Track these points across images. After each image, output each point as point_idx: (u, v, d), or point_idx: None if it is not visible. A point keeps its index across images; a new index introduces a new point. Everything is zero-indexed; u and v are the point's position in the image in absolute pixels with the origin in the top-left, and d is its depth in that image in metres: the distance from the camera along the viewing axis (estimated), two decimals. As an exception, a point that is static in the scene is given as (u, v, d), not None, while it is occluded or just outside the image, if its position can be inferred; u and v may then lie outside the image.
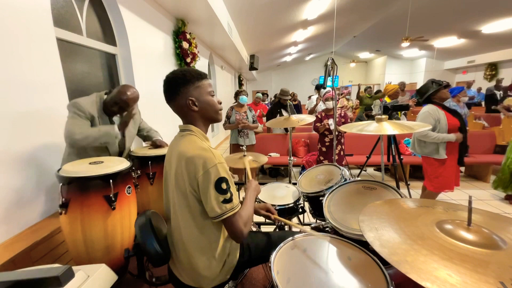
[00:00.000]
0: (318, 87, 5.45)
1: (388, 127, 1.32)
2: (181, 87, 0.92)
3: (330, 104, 3.10)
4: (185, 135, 0.95)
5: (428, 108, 2.27)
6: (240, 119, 3.16)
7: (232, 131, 3.40)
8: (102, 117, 1.56)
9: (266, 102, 6.55)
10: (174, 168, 0.92)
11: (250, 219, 0.96)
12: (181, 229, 0.94)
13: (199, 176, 0.84)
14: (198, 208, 0.90)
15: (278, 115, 3.81)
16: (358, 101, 5.30)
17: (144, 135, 1.95)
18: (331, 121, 3.01)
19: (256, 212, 1.23)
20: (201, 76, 0.95)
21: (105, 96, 1.58)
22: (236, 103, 3.31)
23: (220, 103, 1.01)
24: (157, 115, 3.09)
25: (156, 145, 1.87)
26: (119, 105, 1.54)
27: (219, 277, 0.98)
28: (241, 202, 0.98)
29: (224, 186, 0.85)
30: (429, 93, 2.29)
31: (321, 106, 4.44)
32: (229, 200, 0.87)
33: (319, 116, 3.19)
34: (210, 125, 1.20)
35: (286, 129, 4.29)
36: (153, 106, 2.98)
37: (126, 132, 1.69)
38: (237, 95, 3.30)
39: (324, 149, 3.24)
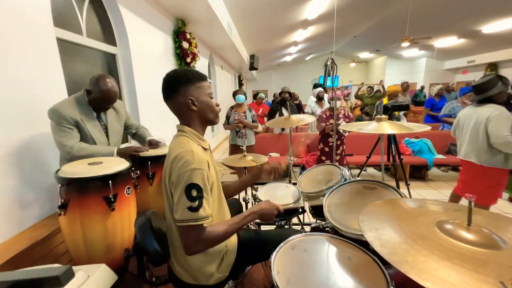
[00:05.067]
0: (320, 98, 4.34)
1: (387, 127, 1.32)
2: (181, 86, 0.93)
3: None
4: (177, 135, 0.97)
5: (502, 109, 1.86)
6: (238, 119, 3.16)
7: (231, 131, 3.41)
8: (88, 117, 1.49)
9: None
10: (164, 168, 0.94)
11: (215, 241, 0.89)
12: (173, 228, 0.95)
13: (174, 176, 0.85)
14: None
15: (278, 113, 3.82)
16: (359, 101, 5.33)
17: (133, 132, 1.87)
18: (344, 123, 2.94)
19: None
20: (202, 77, 0.98)
21: (86, 95, 1.49)
22: (235, 103, 3.32)
23: (218, 106, 1.02)
24: (157, 115, 3.09)
25: (152, 144, 1.78)
26: (108, 101, 1.51)
27: (217, 274, 0.99)
28: (239, 212, 0.97)
29: (194, 193, 0.82)
30: (496, 92, 1.86)
31: (316, 109, 4.34)
32: (195, 209, 0.82)
33: (324, 116, 3.09)
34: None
35: (282, 129, 4.29)
36: (153, 106, 2.98)
37: (109, 127, 1.64)
38: (234, 95, 3.31)
39: (327, 149, 3.18)
